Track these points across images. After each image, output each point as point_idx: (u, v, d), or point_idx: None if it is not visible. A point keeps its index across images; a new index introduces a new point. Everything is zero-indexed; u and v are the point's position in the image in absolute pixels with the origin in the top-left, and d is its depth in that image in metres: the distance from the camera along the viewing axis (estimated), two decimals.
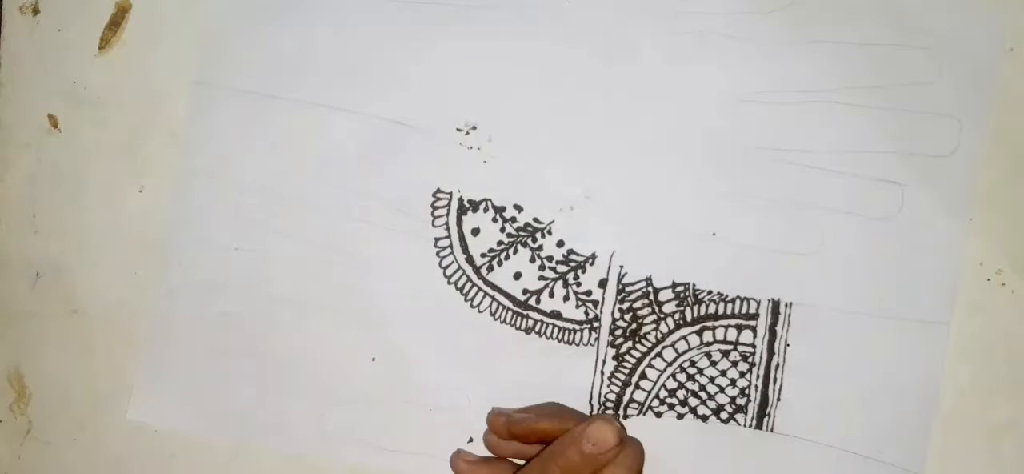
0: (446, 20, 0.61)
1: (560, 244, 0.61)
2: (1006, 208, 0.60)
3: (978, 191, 0.60)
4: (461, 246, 0.61)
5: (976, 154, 0.60)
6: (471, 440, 0.61)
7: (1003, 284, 0.60)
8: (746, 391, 0.60)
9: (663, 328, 0.60)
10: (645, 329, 0.60)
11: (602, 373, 0.61)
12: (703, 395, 0.61)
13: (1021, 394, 0.60)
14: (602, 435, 0.51)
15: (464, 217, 0.61)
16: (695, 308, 0.60)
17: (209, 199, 0.61)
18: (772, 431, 0.60)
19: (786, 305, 0.60)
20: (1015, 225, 0.60)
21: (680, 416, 0.61)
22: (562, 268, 0.61)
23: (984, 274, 0.60)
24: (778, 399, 0.60)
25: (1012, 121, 0.60)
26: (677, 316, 0.60)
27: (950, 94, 0.60)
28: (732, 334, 0.60)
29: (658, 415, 0.61)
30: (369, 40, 0.61)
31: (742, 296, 0.60)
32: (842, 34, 0.60)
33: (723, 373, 0.60)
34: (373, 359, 0.61)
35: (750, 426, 0.60)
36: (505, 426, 0.56)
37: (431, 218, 0.61)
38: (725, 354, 0.60)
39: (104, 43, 0.61)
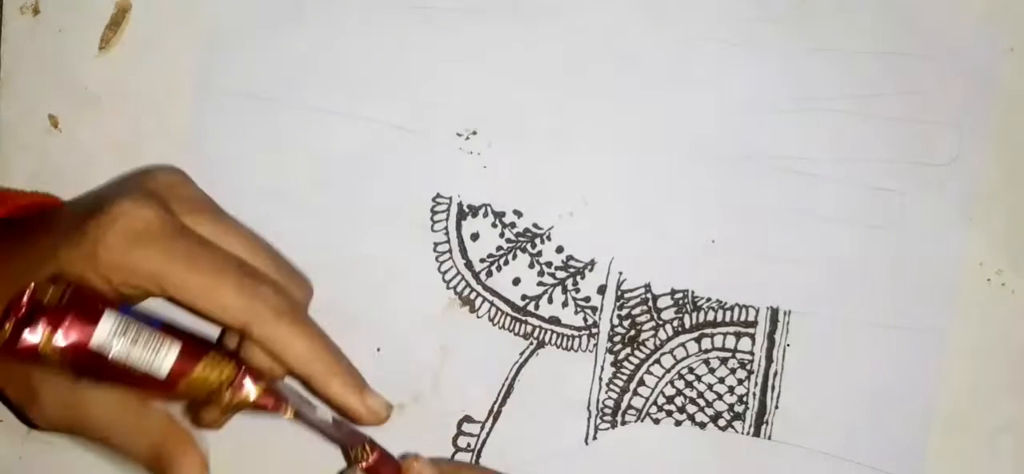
0: (447, 25, 0.61)
1: (559, 250, 0.61)
2: (1006, 208, 0.60)
3: (978, 191, 0.60)
4: (460, 251, 0.61)
5: (976, 159, 0.60)
6: (468, 446, 0.61)
7: (1003, 284, 0.60)
8: (744, 398, 0.61)
9: (661, 335, 0.61)
10: (644, 336, 0.61)
11: (600, 379, 0.61)
12: (701, 402, 0.61)
13: (1021, 394, 0.60)
14: None
15: (463, 222, 0.61)
16: (694, 315, 0.60)
17: None
18: (770, 438, 0.61)
19: (785, 313, 0.60)
20: (1015, 225, 0.60)
21: (678, 423, 0.61)
22: (561, 274, 0.61)
23: (984, 274, 0.60)
24: (776, 407, 0.60)
25: (1013, 121, 0.60)
26: (676, 323, 0.61)
27: (951, 102, 0.60)
28: (730, 341, 0.61)
29: (656, 422, 0.61)
30: (370, 44, 0.61)
31: (741, 303, 0.60)
32: (842, 42, 0.60)
33: (721, 380, 0.61)
34: (375, 354, 0.61)
35: (748, 434, 0.61)
36: None
37: (430, 223, 0.61)
38: (723, 361, 0.61)
39: (104, 43, 0.61)
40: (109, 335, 0.43)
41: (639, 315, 0.61)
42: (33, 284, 0.42)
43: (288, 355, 0.45)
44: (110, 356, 0.43)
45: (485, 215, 0.61)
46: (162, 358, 0.44)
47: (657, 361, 0.61)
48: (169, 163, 0.59)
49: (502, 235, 0.61)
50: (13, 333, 0.42)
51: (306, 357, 0.46)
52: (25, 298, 0.42)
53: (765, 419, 0.61)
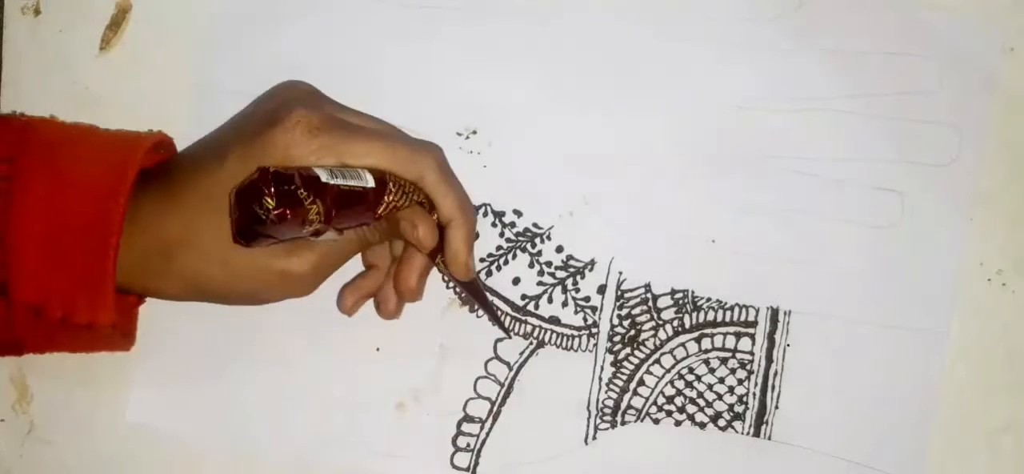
0: (447, 24, 0.61)
1: (559, 250, 0.61)
2: (1007, 208, 0.60)
3: (978, 191, 0.60)
4: None
5: (977, 160, 0.60)
6: (468, 446, 0.61)
7: (1004, 284, 0.60)
8: (744, 399, 0.61)
9: (661, 335, 0.61)
10: (644, 336, 0.61)
11: (600, 379, 0.61)
12: (701, 402, 0.61)
13: (1021, 394, 0.60)
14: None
15: None
16: (694, 315, 0.60)
17: None
18: (770, 439, 0.61)
19: (785, 313, 0.60)
20: (1015, 225, 0.60)
21: (678, 423, 0.61)
22: (561, 274, 0.61)
23: (984, 274, 0.60)
24: (776, 407, 0.60)
25: (1013, 121, 0.60)
26: (676, 323, 0.61)
27: (951, 102, 0.60)
28: (731, 341, 0.60)
29: (656, 422, 0.61)
30: (369, 43, 0.61)
31: (741, 303, 0.60)
32: (843, 42, 0.60)
33: (721, 380, 0.61)
34: (375, 354, 0.61)
35: (748, 434, 0.61)
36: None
37: None
38: (723, 361, 0.61)
39: (105, 43, 0.61)
40: (327, 174, 0.50)
41: (639, 315, 0.61)
42: (259, 168, 0.49)
43: (446, 201, 0.54)
44: (339, 185, 0.50)
45: (485, 214, 0.61)
46: (365, 175, 0.52)
47: (657, 361, 0.61)
48: None
49: (502, 234, 0.61)
50: (280, 204, 0.47)
51: (455, 207, 0.54)
52: (265, 177, 0.48)
53: (765, 419, 0.61)
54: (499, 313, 0.60)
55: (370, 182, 0.52)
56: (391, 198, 0.52)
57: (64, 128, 0.58)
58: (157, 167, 0.55)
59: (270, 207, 0.47)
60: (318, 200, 0.48)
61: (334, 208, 0.49)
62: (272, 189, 0.47)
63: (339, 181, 0.50)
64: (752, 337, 0.60)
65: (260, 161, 0.51)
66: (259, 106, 0.56)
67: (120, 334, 0.58)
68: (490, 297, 0.60)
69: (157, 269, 0.53)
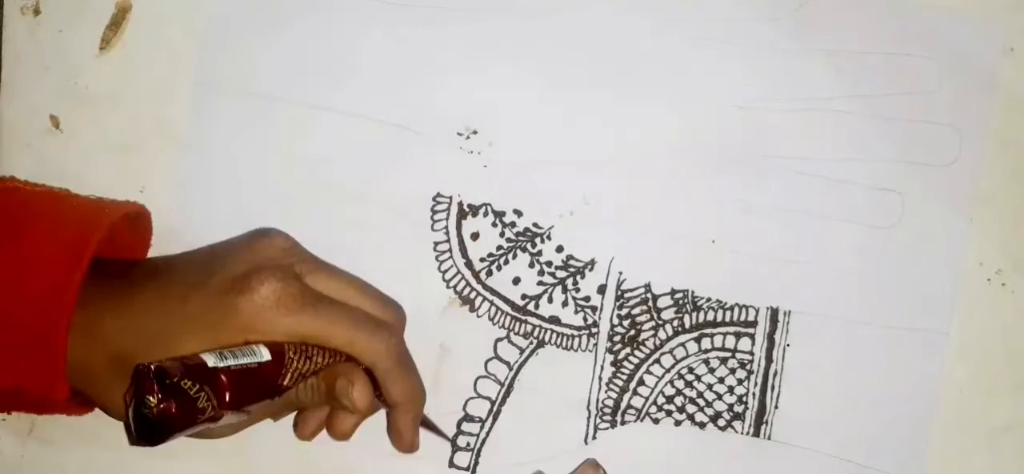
0: (448, 24, 0.61)
1: (559, 249, 0.61)
2: (1006, 208, 0.60)
3: (978, 191, 0.60)
4: (460, 250, 0.61)
5: (976, 159, 0.60)
6: (468, 445, 0.61)
7: (1003, 284, 0.60)
8: (744, 398, 0.61)
9: (661, 335, 0.61)
10: (643, 335, 0.61)
11: (600, 379, 0.61)
12: (701, 402, 0.61)
13: (1021, 394, 0.61)
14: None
15: (464, 221, 0.61)
16: (694, 315, 0.61)
17: (209, 200, 0.61)
18: (769, 439, 0.61)
19: (785, 313, 0.60)
20: (1015, 225, 0.60)
21: (677, 423, 0.61)
22: (561, 273, 0.61)
23: (984, 274, 0.60)
24: (776, 407, 0.61)
25: (1012, 121, 0.60)
26: (676, 323, 0.61)
27: (951, 103, 0.60)
28: (730, 341, 0.61)
29: (656, 422, 0.61)
30: (371, 43, 0.61)
31: (741, 304, 0.60)
32: (843, 42, 0.60)
33: (721, 380, 0.61)
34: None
35: (747, 434, 0.61)
36: None
37: (431, 222, 0.61)
38: (723, 361, 0.61)
39: (105, 43, 0.61)
40: (215, 358, 0.49)
41: (639, 315, 0.61)
42: (136, 367, 0.48)
43: (394, 389, 0.55)
44: (230, 366, 0.49)
45: (485, 214, 0.61)
46: (259, 351, 0.51)
47: (657, 361, 0.61)
48: (170, 166, 0.60)
49: (502, 234, 0.61)
50: (165, 398, 0.47)
51: (404, 396, 0.56)
52: (145, 375, 0.47)
53: (765, 419, 0.61)
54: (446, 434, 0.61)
55: (265, 355, 0.51)
56: (295, 366, 0.52)
57: (28, 197, 0.58)
58: (125, 265, 0.56)
59: (152, 404, 0.47)
60: (206, 387, 0.48)
61: (229, 391, 0.49)
62: (155, 386, 0.47)
63: (229, 362, 0.49)
64: (752, 337, 0.60)
65: (222, 322, 0.51)
66: (236, 254, 0.54)
67: (77, 404, 0.57)
68: (490, 296, 0.61)
69: (105, 383, 0.53)
